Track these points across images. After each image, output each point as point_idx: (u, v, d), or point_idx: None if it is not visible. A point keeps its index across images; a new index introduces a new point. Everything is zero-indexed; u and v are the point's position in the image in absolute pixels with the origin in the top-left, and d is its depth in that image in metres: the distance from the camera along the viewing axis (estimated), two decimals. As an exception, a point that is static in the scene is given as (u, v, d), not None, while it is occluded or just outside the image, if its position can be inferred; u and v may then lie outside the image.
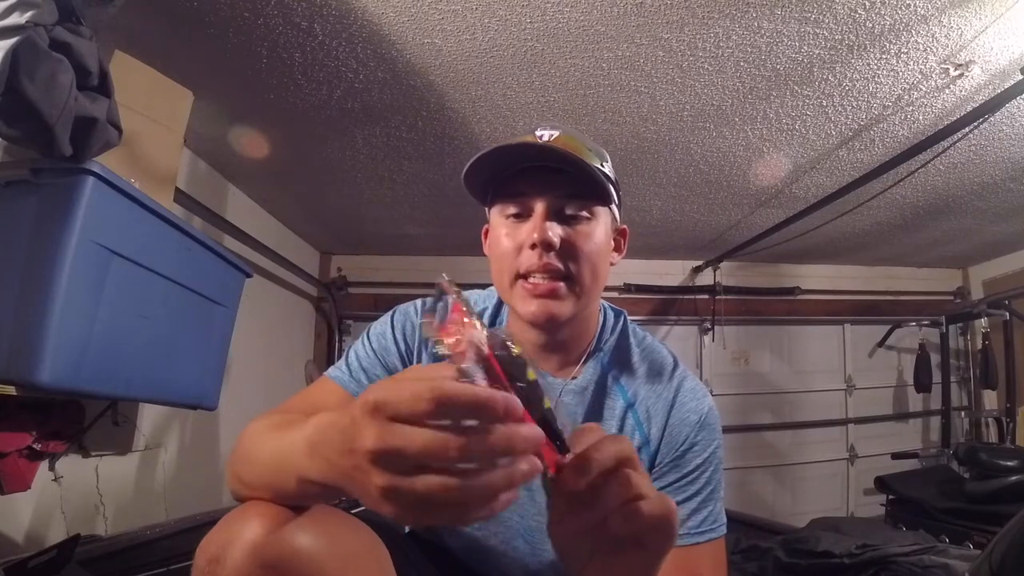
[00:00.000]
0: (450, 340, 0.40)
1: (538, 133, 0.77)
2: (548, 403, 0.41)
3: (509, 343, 0.39)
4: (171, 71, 1.39)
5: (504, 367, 0.39)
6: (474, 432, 0.35)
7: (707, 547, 0.73)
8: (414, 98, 1.67)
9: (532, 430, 0.37)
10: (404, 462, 0.35)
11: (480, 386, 0.37)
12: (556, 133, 0.76)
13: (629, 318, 0.89)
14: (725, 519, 0.76)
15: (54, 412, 1.36)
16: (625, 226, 0.86)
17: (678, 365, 0.84)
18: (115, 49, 1.27)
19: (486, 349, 0.39)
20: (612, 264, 0.81)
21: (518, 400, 0.36)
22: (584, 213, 0.75)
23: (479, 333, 0.39)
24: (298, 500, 0.52)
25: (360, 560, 0.55)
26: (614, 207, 0.80)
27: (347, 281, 3.30)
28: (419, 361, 0.82)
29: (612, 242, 0.82)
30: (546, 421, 0.40)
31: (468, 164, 0.73)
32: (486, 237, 0.84)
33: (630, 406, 0.79)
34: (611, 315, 0.87)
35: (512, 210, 0.75)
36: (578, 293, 0.73)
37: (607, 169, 0.78)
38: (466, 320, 0.41)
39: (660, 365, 0.83)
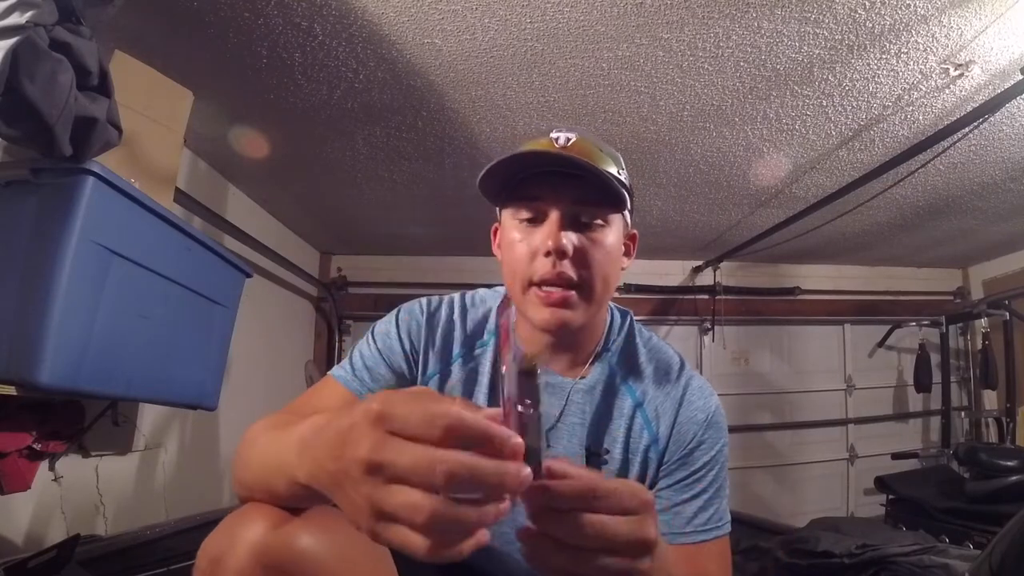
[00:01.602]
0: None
1: (553, 135, 0.75)
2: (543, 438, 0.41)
3: (536, 364, 0.40)
4: (171, 71, 1.39)
5: (524, 389, 0.39)
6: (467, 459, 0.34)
7: (714, 544, 0.73)
8: (414, 98, 1.66)
9: (523, 472, 0.36)
10: (391, 475, 0.35)
11: (490, 418, 0.36)
12: (573, 137, 0.74)
13: (635, 318, 0.89)
14: (730, 517, 0.77)
15: (54, 412, 1.36)
16: (635, 231, 0.85)
17: (685, 365, 0.84)
18: (115, 49, 1.27)
19: (515, 366, 0.40)
20: (623, 269, 0.81)
21: (519, 439, 0.36)
22: (598, 220, 0.74)
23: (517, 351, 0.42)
24: (288, 503, 0.52)
25: (361, 561, 0.55)
26: (627, 212, 0.80)
27: (347, 281, 3.29)
28: (425, 361, 0.82)
29: (623, 247, 0.81)
30: (534, 451, 0.39)
31: (485, 169, 0.72)
32: (495, 236, 0.83)
33: (639, 405, 0.80)
34: (617, 315, 0.87)
35: (526, 214, 0.74)
36: (589, 301, 0.73)
37: (623, 176, 0.77)
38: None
39: (667, 365, 0.83)
